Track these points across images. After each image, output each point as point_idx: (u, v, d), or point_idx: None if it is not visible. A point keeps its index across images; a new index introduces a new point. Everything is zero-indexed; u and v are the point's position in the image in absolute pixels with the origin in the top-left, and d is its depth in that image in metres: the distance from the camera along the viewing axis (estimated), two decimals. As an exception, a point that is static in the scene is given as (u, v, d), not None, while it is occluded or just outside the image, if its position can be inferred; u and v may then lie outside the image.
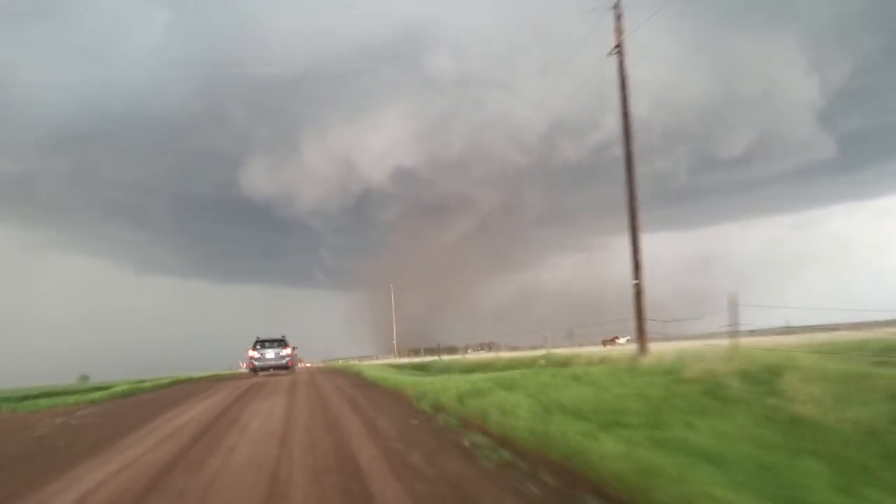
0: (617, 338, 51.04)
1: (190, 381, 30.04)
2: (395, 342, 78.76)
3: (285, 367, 29.90)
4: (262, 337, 30.76)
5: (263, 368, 29.65)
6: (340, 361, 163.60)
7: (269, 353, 29.49)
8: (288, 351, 30.02)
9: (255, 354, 29.50)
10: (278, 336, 30.89)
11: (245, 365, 31.38)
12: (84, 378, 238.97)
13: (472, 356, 46.67)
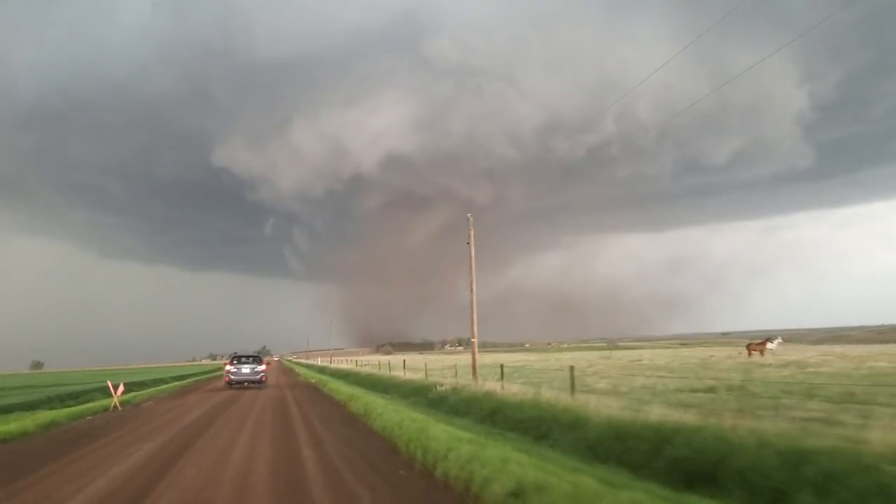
0: (768, 341, 46.14)
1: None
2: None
3: (258, 382, 31.20)
4: (239, 353, 33.58)
5: (239, 382, 31.18)
6: (286, 360, 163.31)
7: (245, 369, 31.32)
8: (262, 367, 31.86)
9: (232, 369, 31.45)
10: (254, 353, 33.83)
11: (224, 379, 32.69)
12: (37, 364, 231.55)
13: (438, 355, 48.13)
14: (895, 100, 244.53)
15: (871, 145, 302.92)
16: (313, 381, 36.50)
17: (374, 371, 36.84)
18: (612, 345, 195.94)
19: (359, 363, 49.85)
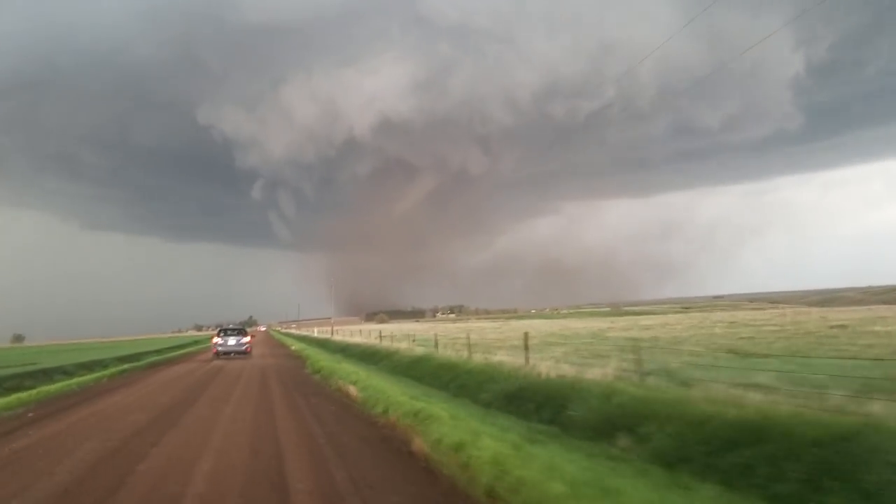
0: None
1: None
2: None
3: (244, 353, 33.12)
4: (225, 326, 36.95)
5: (226, 353, 33.19)
6: (274, 330, 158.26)
7: (231, 341, 33.46)
8: (247, 339, 34.01)
9: (219, 341, 33.68)
10: (238, 326, 37.23)
11: (212, 350, 34.62)
12: (18, 338, 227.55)
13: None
14: (884, 62, 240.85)
15: (859, 107, 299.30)
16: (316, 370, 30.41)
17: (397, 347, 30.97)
18: (617, 310, 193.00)
19: (373, 334, 44.66)
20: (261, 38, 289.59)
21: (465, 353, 20.59)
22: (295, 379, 18.46)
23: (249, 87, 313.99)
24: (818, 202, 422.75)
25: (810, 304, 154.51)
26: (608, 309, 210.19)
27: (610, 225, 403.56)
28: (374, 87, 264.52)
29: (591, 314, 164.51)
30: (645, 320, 68.81)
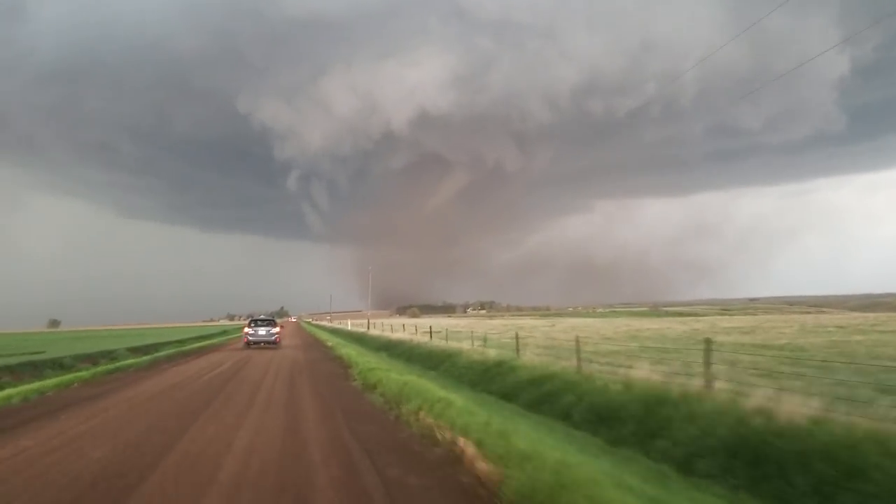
0: None
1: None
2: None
3: (273, 343, 33.31)
4: (256, 317, 37.00)
5: (256, 343, 33.43)
6: (305, 322, 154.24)
7: (262, 331, 33.81)
8: (277, 330, 34.10)
9: (250, 331, 34.04)
10: (269, 317, 36.93)
11: (243, 340, 35.04)
12: (54, 323, 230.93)
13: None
14: None
15: None
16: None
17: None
18: (657, 310, 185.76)
19: (412, 329, 39.70)
20: (301, 30, 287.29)
21: (547, 358, 15.42)
22: (340, 399, 11.74)
23: (288, 79, 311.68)
24: (858, 205, 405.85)
25: (852, 309, 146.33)
26: (647, 309, 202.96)
27: (644, 224, 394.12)
28: (412, 81, 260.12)
29: (631, 314, 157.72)
30: (701, 322, 62.13)
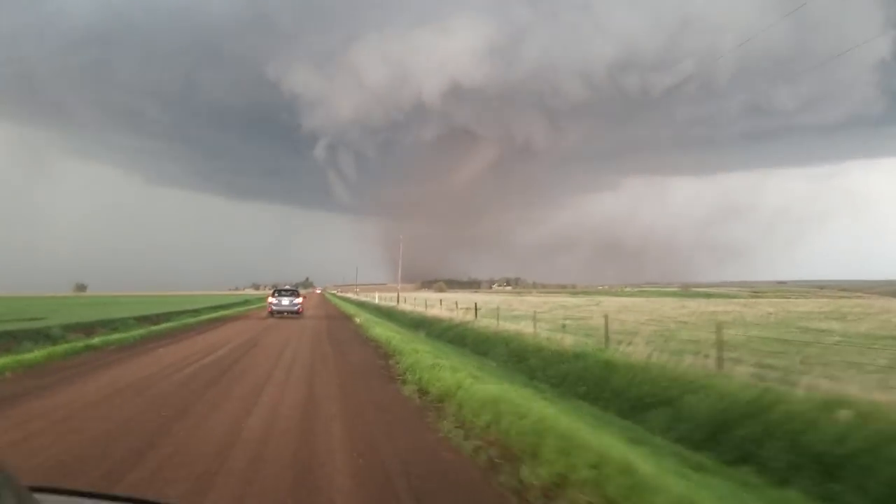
0: None
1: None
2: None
3: (297, 313, 33.53)
4: (280, 287, 39.11)
5: (279, 312, 33.57)
6: (329, 294, 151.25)
7: (285, 301, 33.92)
8: (300, 300, 34.39)
9: (274, 301, 34.23)
10: (292, 287, 39.24)
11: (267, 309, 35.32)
12: (80, 287, 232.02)
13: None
14: None
15: None
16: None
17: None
18: (687, 291, 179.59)
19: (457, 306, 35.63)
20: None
21: (627, 348, 11.83)
22: (394, 434, 6.58)
23: (319, 46, 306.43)
24: (890, 189, 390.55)
25: (883, 295, 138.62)
26: (677, 289, 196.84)
27: (671, 203, 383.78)
28: (444, 51, 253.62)
29: (664, 293, 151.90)
30: (698, 302, 56.97)
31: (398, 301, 45.60)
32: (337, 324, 28.19)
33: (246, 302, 70.99)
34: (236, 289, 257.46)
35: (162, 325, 25.54)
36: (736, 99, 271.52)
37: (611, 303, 59.55)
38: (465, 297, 49.64)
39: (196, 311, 38.66)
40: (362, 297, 79.40)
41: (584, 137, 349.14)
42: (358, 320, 27.65)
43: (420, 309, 33.71)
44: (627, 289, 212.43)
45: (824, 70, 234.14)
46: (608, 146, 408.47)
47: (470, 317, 24.41)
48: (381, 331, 19.75)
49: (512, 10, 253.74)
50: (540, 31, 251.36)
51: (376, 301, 58.50)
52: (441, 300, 39.11)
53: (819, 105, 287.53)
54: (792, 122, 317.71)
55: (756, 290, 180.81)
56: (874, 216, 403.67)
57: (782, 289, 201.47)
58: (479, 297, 78.73)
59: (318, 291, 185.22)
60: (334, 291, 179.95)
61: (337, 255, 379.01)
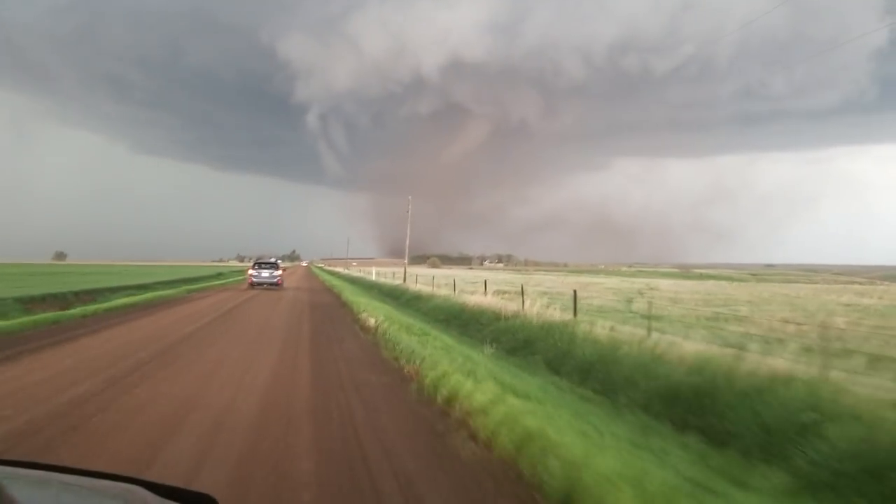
0: None
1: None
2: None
3: (276, 284, 34.30)
4: (260, 260, 38.03)
5: (259, 284, 34.03)
6: (315, 266, 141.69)
7: (265, 273, 34.67)
8: (279, 272, 35.22)
9: (254, 273, 34.91)
10: (272, 260, 37.06)
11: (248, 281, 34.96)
12: (60, 256, 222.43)
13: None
14: None
15: None
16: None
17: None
18: (686, 272, 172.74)
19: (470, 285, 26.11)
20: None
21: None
22: None
23: (315, 14, 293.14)
24: (879, 175, 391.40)
25: (869, 279, 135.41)
26: (675, 270, 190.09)
27: (662, 184, 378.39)
28: (441, 25, 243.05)
29: (662, 274, 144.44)
30: (708, 283, 49.11)
31: (405, 279, 36.55)
32: (327, 314, 18.62)
33: (219, 275, 62.08)
34: (220, 260, 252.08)
35: (117, 301, 20.83)
36: (731, 83, 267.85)
37: (631, 283, 51.36)
38: (454, 274, 42.51)
39: (170, 283, 36.01)
40: (354, 273, 69.90)
41: (581, 117, 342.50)
42: (365, 315, 17.63)
43: (441, 292, 24.94)
44: (624, 268, 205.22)
45: (820, 57, 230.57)
46: (603, 126, 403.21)
47: (535, 307, 15.88)
48: (428, 354, 10.11)
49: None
50: (542, 9, 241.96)
51: (373, 277, 49.60)
52: (442, 278, 31.05)
53: (813, 91, 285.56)
54: (785, 106, 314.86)
55: (752, 272, 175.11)
56: (863, 202, 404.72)
57: (773, 272, 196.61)
58: (478, 274, 70.49)
59: (305, 264, 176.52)
60: (321, 265, 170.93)
61: (325, 228, 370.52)
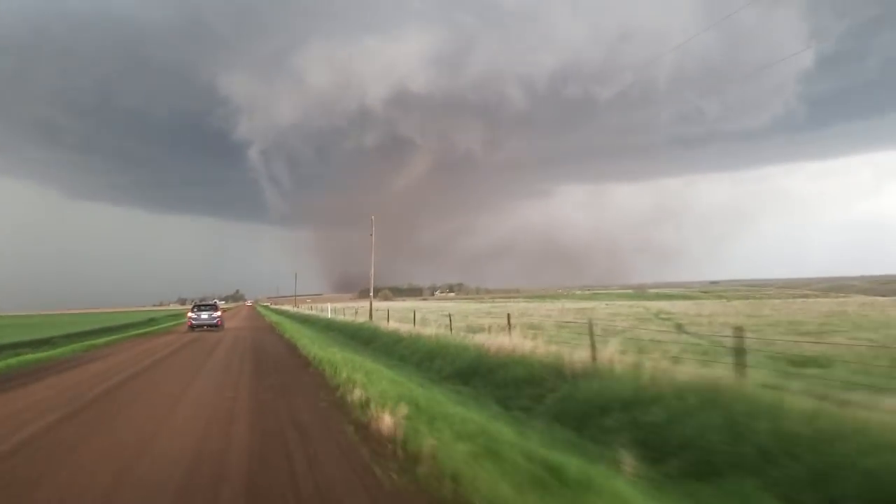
0: None
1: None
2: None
3: (216, 326, 34.13)
4: (200, 302, 38.40)
5: (199, 326, 34.12)
6: (261, 306, 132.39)
7: (204, 315, 34.59)
8: (218, 313, 35.12)
9: (193, 315, 34.96)
10: (211, 302, 37.62)
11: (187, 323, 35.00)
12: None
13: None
14: (887, 53, 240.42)
15: (856, 99, 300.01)
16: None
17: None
18: (643, 293, 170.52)
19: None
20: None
21: None
22: None
23: (257, 51, 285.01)
24: (812, 191, 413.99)
25: (820, 291, 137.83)
26: (631, 291, 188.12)
27: (607, 208, 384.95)
28: (385, 59, 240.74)
29: (619, 296, 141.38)
30: (765, 306, 44.89)
31: (371, 315, 29.56)
32: (280, 379, 11.59)
33: (150, 321, 53.52)
34: (161, 304, 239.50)
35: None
36: (669, 108, 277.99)
37: (580, 308, 45.91)
38: (407, 307, 36.78)
39: (85, 335, 32.61)
40: (306, 311, 61.98)
41: (526, 146, 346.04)
42: (341, 377, 10.86)
43: (427, 331, 18.32)
44: (577, 291, 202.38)
45: (752, 80, 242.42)
46: (549, 154, 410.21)
47: (608, 353, 9.73)
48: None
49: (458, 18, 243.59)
50: (486, 40, 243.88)
51: (329, 315, 42.32)
52: (409, 312, 24.55)
53: (746, 113, 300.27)
54: (721, 128, 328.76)
55: (706, 290, 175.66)
56: (798, 217, 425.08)
57: (717, 289, 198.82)
58: (425, 305, 64.21)
59: (249, 304, 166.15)
60: (267, 304, 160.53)
61: (270, 266, 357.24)
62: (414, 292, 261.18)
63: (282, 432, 6.91)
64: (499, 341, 12.87)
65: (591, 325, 11.56)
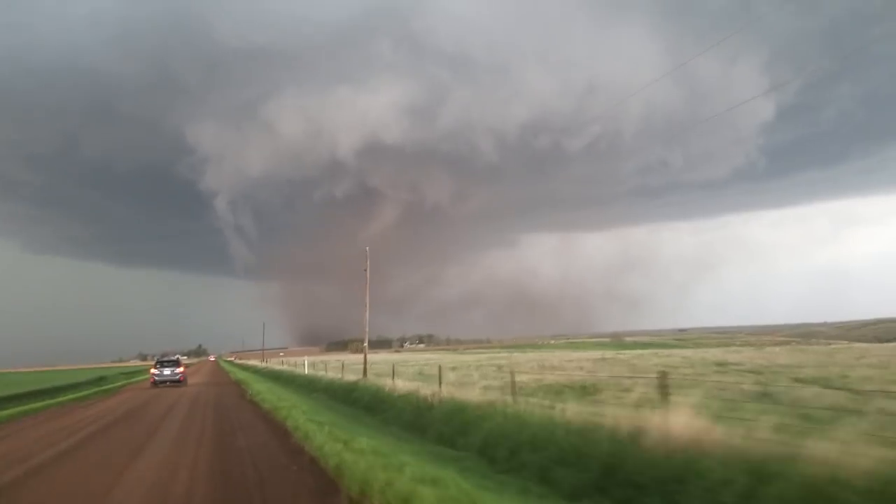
0: None
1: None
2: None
3: (178, 381, 34.35)
4: (162, 358, 39.75)
5: (162, 382, 34.41)
6: (224, 361, 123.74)
7: (167, 371, 35.06)
8: (181, 369, 35.61)
9: (156, 371, 35.40)
10: (173, 358, 38.43)
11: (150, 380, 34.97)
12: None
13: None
14: (842, 105, 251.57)
15: (812, 149, 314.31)
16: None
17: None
18: (620, 341, 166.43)
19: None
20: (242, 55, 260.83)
21: None
22: None
23: (225, 100, 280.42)
24: (772, 239, 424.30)
25: (790, 338, 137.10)
26: (608, 340, 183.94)
27: (575, 257, 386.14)
28: (353, 112, 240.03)
29: (583, 346, 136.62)
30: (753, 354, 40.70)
31: (366, 372, 23.63)
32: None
33: (101, 379, 46.16)
34: (120, 360, 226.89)
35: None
36: (634, 159, 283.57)
37: (565, 358, 40.97)
38: (426, 357, 32.26)
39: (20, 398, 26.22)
40: (277, 366, 55.12)
41: (495, 197, 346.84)
42: None
43: (471, 394, 12.74)
44: (552, 341, 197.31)
45: (714, 133, 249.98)
46: (517, 204, 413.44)
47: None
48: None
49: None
50: (458, 92, 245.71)
51: (306, 371, 36.15)
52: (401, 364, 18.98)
53: (708, 164, 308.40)
54: (682, 178, 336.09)
55: (680, 339, 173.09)
56: (759, 265, 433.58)
57: (689, 336, 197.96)
58: (396, 357, 58.48)
59: (212, 359, 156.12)
60: (231, 358, 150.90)
61: (235, 320, 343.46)
62: (383, 344, 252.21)
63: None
64: (642, 417, 7.51)
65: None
